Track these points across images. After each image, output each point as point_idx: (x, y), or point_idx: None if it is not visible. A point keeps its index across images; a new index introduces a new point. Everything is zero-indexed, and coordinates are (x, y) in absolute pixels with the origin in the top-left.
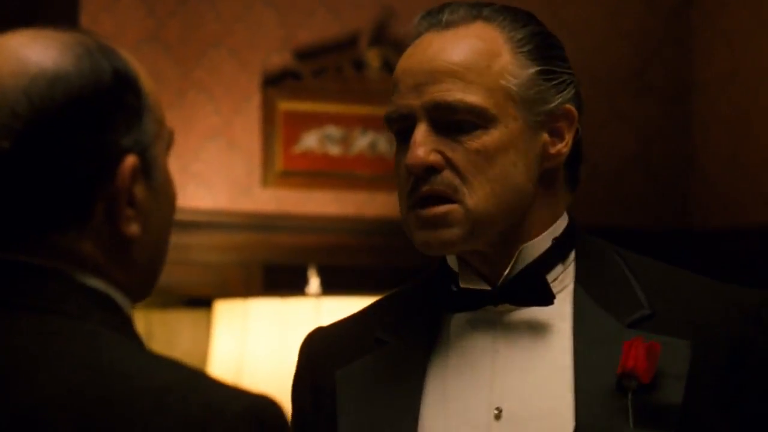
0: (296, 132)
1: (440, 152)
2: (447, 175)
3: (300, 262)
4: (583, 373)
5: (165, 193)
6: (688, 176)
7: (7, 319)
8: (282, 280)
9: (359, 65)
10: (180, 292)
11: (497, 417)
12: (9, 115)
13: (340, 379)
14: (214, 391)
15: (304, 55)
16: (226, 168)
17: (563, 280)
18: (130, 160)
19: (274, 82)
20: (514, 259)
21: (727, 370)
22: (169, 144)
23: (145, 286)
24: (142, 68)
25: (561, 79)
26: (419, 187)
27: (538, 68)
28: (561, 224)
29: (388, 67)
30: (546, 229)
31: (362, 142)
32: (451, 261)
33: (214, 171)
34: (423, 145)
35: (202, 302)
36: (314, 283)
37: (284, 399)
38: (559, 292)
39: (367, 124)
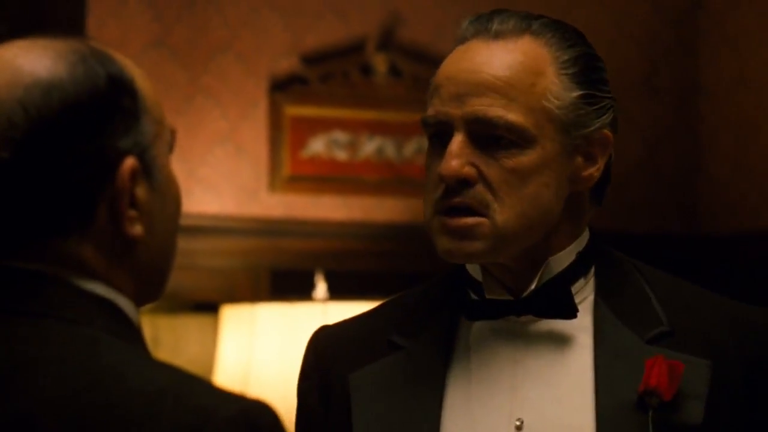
0: (303, 137)
1: (475, 165)
2: (479, 189)
3: (307, 267)
4: (605, 388)
5: (168, 192)
6: (696, 180)
7: (7, 324)
8: (289, 285)
9: (366, 70)
10: (187, 297)
11: (518, 428)
12: (6, 125)
13: (354, 382)
14: (207, 395)
15: (311, 60)
16: (233, 173)
17: (584, 293)
18: (129, 162)
19: (281, 87)
20: (540, 272)
21: (744, 390)
22: (171, 144)
23: (153, 288)
24: (139, 70)
25: (602, 104)
26: (450, 197)
27: (581, 92)
28: (584, 238)
29: (395, 71)
30: (570, 243)
31: (369, 147)
32: (474, 270)
33: (221, 176)
34: (458, 157)
35: (209, 307)
36: (321, 288)
37: (291, 403)
38: (579, 303)
39: (374, 129)
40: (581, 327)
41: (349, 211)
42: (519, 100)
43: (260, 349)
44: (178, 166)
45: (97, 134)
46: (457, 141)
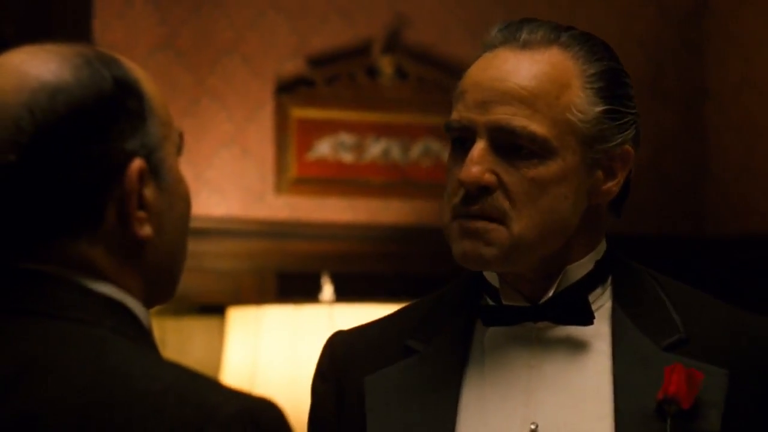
0: (309, 139)
1: (495, 173)
2: (498, 197)
3: (313, 269)
4: (623, 395)
5: (177, 193)
6: (702, 183)
7: (16, 324)
8: (295, 287)
9: (372, 72)
10: (193, 299)
11: None
12: (13, 129)
13: (369, 386)
14: (210, 393)
15: (317, 62)
16: (240, 175)
17: (601, 301)
18: (137, 164)
19: (287, 90)
20: (558, 281)
21: (760, 400)
22: (179, 146)
23: (163, 288)
24: (145, 73)
25: (625, 120)
26: (469, 204)
27: (605, 107)
28: (602, 248)
29: (402, 74)
30: (588, 253)
31: (375, 149)
32: (491, 276)
33: (228, 178)
34: (479, 164)
35: (215, 309)
36: (327, 290)
37: (298, 405)
38: (596, 310)
39: (380, 131)
40: (598, 334)
41: (355, 213)
42: (543, 112)
43: (266, 351)
44: (184, 168)
45: (103, 136)
46: (479, 148)
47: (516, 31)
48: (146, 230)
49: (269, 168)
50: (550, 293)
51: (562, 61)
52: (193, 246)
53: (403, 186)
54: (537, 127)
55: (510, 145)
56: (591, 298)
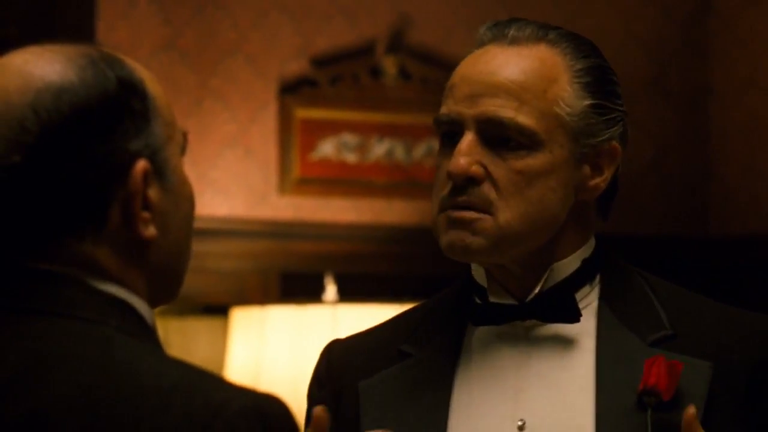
0: (313, 139)
1: (483, 165)
2: (485, 187)
3: (317, 269)
4: (605, 389)
5: (181, 193)
6: (705, 183)
7: (23, 323)
8: (299, 288)
9: (376, 72)
10: (197, 299)
11: (521, 429)
12: (18, 130)
13: (363, 390)
14: (217, 389)
15: (321, 62)
16: (243, 176)
17: (589, 299)
18: (141, 164)
19: (291, 90)
20: (544, 278)
21: (746, 393)
22: (183, 146)
23: (168, 288)
24: (149, 74)
25: (612, 116)
26: (456, 195)
27: (593, 102)
28: (590, 246)
29: (405, 74)
30: (575, 251)
31: (379, 149)
32: (479, 275)
33: (231, 179)
34: (467, 155)
35: (219, 310)
36: (331, 290)
37: (301, 405)
38: (584, 308)
39: (383, 131)
40: (585, 331)
41: (358, 214)
42: (531, 104)
43: (270, 351)
44: (188, 168)
45: (107, 137)
46: (467, 140)
47: (504, 28)
48: (151, 231)
49: (273, 168)
50: (537, 291)
51: (550, 57)
52: (196, 246)
53: (406, 186)
54: (525, 119)
55: (498, 138)
56: (579, 295)
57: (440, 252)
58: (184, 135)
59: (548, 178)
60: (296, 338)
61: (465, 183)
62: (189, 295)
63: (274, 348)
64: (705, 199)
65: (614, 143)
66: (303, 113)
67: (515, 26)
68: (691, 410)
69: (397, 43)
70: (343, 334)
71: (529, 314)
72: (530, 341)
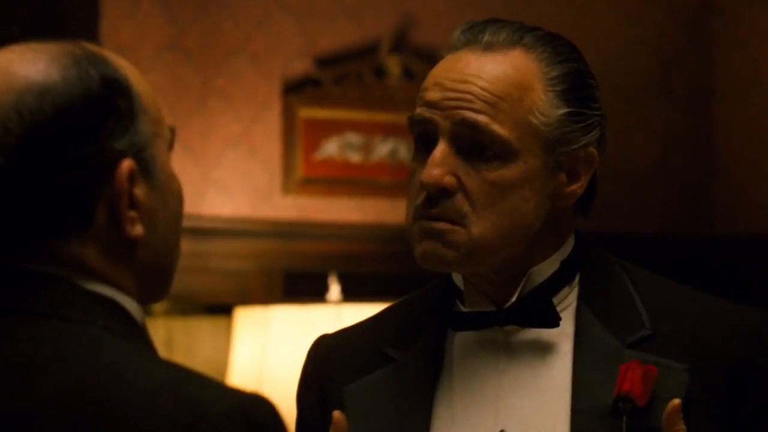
0: (317, 139)
1: (456, 175)
2: (458, 199)
3: (320, 269)
4: (580, 394)
5: (169, 191)
6: (709, 182)
7: (9, 324)
8: (302, 287)
9: (380, 72)
10: (200, 299)
11: None
12: (1, 131)
13: (349, 395)
14: (203, 390)
15: (325, 62)
16: (247, 175)
17: (568, 300)
18: (126, 164)
19: (295, 90)
20: (522, 284)
21: (725, 393)
22: (170, 142)
23: (157, 286)
24: (135, 70)
25: (589, 122)
26: (430, 206)
27: (568, 110)
28: (568, 246)
29: (409, 74)
30: (553, 253)
31: (383, 149)
32: (458, 279)
33: (235, 178)
34: (440, 166)
35: (223, 309)
36: (335, 290)
37: None
38: (563, 310)
39: (387, 131)
40: (564, 334)
41: (362, 213)
42: (506, 112)
43: (274, 351)
44: (192, 168)
45: (92, 136)
46: (441, 149)
47: (479, 32)
48: (138, 230)
49: (276, 168)
50: (515, 297)
51: (525, 63)
52: (200, 246)
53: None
54: (499, 127)
55: (472, 147)
56: (557, 298)
57: None
58: (172, 130)
59: (522, 189)
60: (300, 338)
61: (438, 194)
62: (193, 295)
63: (278, 347)
64: (709, 198)
65: (591, 149)
66: (307, 113)
67: (490, 30)
68: (675, 402)
69: (400, 43)
70: None
71: (508, 320)
72: (509, 347)
